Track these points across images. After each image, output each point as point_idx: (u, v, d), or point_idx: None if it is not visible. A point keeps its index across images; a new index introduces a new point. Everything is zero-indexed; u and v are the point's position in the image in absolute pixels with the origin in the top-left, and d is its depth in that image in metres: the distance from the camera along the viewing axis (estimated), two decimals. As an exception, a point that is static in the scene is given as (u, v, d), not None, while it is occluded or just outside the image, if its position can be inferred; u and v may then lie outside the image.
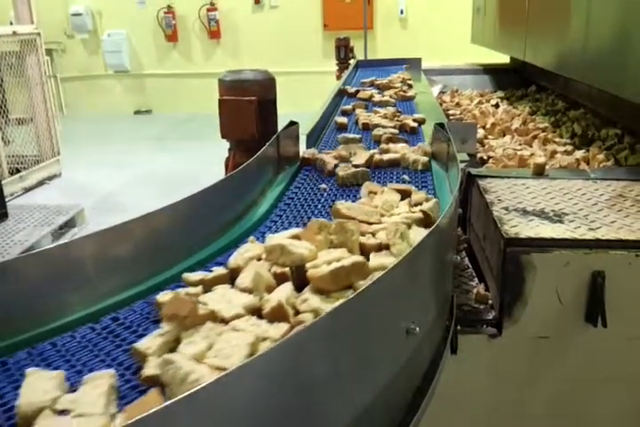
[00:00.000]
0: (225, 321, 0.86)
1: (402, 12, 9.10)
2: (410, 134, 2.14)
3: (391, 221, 1.16)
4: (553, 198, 1.56)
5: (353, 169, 1.61)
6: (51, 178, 5.99)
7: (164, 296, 0.96)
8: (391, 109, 2.47)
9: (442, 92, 3.86)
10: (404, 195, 1.37)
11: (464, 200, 1.76)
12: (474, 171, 1.78)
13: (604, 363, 1.38)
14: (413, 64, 4.10)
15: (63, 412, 0.72)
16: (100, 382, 0.75)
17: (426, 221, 1.20)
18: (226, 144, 3.16)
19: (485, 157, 2.21)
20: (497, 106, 3.30)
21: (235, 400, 0.59)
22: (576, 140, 2.45)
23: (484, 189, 1.63)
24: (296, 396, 0.67)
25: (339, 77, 4.51)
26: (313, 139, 2.04)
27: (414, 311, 0.94)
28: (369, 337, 0.79)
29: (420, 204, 1.29)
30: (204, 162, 5.23)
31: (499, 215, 1.44)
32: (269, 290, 0.93)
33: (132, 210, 4.33)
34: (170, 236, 1.12)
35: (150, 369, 0.78)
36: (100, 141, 7.84)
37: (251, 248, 1.09)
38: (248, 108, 2.56)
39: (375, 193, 1.39)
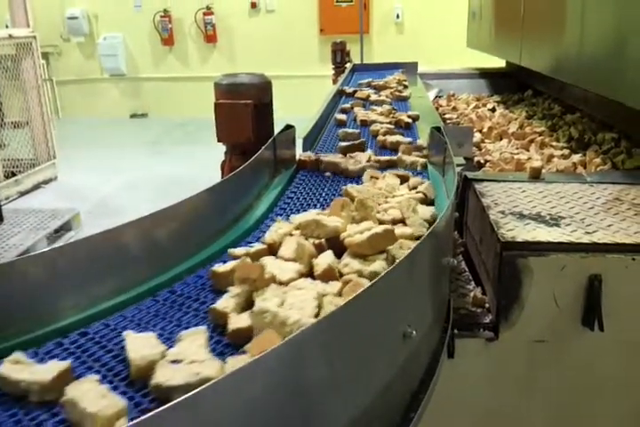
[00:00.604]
0: (282, 284, 0.98)
1: (398, 16, 9.12)
2: (405, 129, 2.27)
3: (395, 200, 1.31)
4: (549, 202, 1.56)
5: (363, 164, 1.72)
6: (46, 182, 5.98)
7: (219, 267, 1.06)
8: (387, 107, 2.59)
9: (438, 97, 3.86)
10: (402, 180, 1.54)
11: (460, 204, 1.76)
12: (470, 175, 1.78)
13: (601, 367, 1.38)
14: (409, 68, 4.11)
15: (174, 362, 0.79)
16: (197, 337, 0.85)
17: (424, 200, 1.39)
18: (222, 148, 3.15)
19: (482, 161, 2.21)
20: (493, 110, 3.30)
21: (233, 403, 0.58)
22: (573, 144, 2.45)
23: (481, 193, 1.63)
24: (293, 399, 0.66)
25: (335, 81, 4.51)
26: (309, 142, 2.04)
27: (411, 315, 0.94)
28: (366, 341, 0.79)
29: (416, 187, 1.47)
30: (200, 165, 5.22)
31: (495, 219, 1.43)
32: (311, 258, 1.05)
33: (127, 214, 4.32)
34: (169, 237, 1.12)
35: (236, 324, 0.88)
36: (95, 145, 7.82)
37: (282, 226, 1.21)
38: (244, 112, 2.55)
39: (377, 178, 1.54)
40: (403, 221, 1.20)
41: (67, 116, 9.49)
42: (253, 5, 9.31)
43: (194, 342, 0.84)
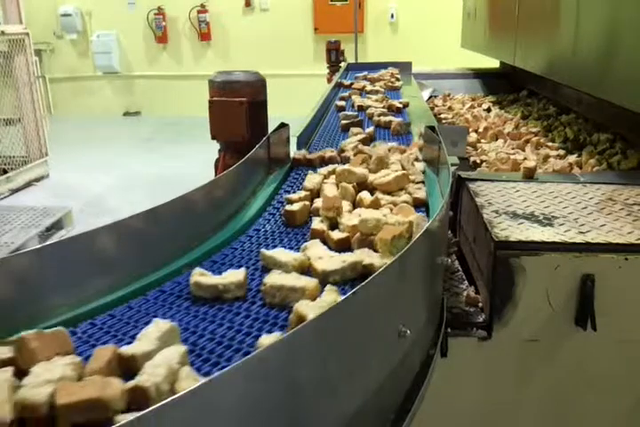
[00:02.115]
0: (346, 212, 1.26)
1: (392, 16, 9.13)
2: (396, 113, 2.59)
3: (396, 158, 1.63)
4: (543, 202, 1.56)
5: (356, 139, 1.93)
6: (38, 179, 5.94)
7: (291, 207, 1.33)
8: (381, 96, 2.93)
9: (433, 97, 3.87)
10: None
11: (454, 203, 1.76)
12: (464, 174, 1.78)
13: (593, 366, 1.38)
14: (403, 68, 4.11)
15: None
16: (315, 245, 1.12)
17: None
18: (216, 146, 3.15)
19: (478, 161, 2.21)
20: (489, 110, 3.31)
21: (225, 401, 0.58)
22: (568, 144, 2.46)
23: (475, 193, 1.63)
24: (286, 399, 0.66)
25: (330, 80, 4.52)
26: (303, 140, 2.04)
27: (405, 314, 0.94)
28: (360, 340, 0.79)
29: (405, 151, 1.75)
30: (194, 163, 5.21)
31: (489, 218, 1.44)
32: (352, 197, 1.36)
33: (120, 212, 4.30)
34: (165, 234, 1.12)
35: (337, 236, 1.15)
36: (88, 143, 7.79)
37: (314, 177, 1.51)
38: (238, 110, 2.55)
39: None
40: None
41: (59, 113, 9.44)
42: (248, 4, 9.30)
43: (316, 248, 1.09)
